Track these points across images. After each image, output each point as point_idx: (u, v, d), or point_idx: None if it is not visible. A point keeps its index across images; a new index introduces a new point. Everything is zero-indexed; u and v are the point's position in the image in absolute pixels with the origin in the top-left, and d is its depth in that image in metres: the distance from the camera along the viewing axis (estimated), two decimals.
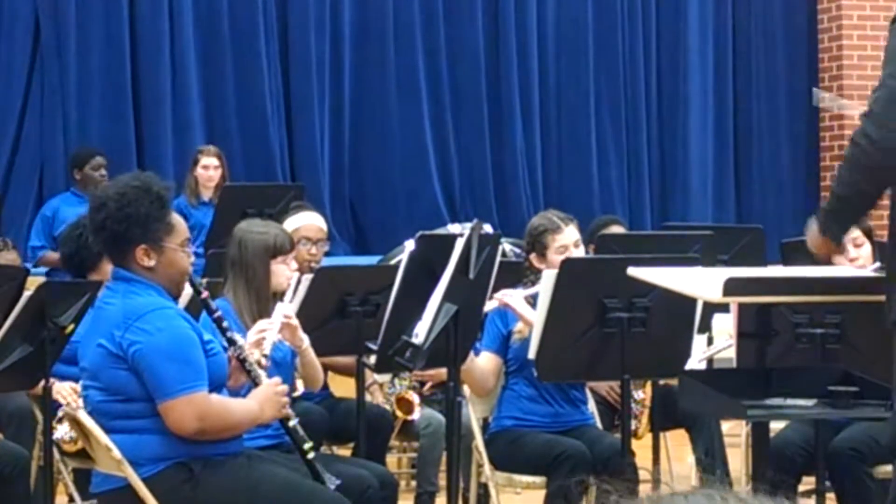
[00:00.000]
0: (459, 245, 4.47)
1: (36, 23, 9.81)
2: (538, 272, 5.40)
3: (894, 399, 3.96)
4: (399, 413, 6.22)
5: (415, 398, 6.27)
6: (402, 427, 6.28)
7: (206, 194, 8.74)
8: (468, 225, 4.76)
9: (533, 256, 5.50)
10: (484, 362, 5.40)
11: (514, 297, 5.33)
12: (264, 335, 4.62)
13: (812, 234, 4.21)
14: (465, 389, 5.32)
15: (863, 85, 11.12)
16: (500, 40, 11.15)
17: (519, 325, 5.38)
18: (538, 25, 11.28)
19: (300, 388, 5.29)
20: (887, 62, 3.93)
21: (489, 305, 5.17)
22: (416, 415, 6.25)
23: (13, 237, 7.98)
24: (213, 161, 8.81)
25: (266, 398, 4.34)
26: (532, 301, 5.30)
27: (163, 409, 4.12)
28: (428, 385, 6.43)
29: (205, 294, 4.42)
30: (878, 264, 5.15)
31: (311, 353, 5.03)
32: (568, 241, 5.44)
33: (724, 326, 5.88)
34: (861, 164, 3.94)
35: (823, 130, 11.99)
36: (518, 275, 5.54)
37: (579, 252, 5.49)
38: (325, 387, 5.76)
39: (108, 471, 4.21)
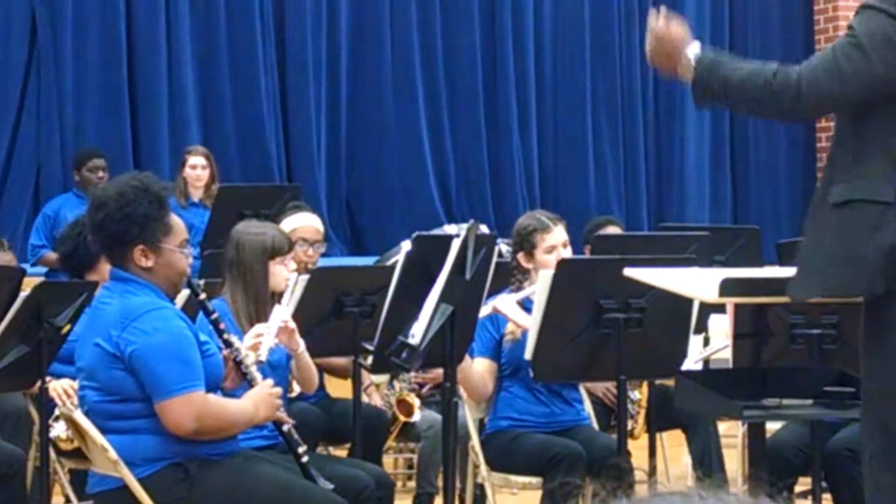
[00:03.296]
0: (455, 246, 4.47)
1: (33, 22, 9.81)
2: (526, 272, 5.41)
3: (862, 390, 3.97)
4: (400, 415, 6.22)
5: (415, 400, 6.27)
6: (402, 429, 6.28)
7: (196, 195, 8.75)
8: (464, 225, 4.76)
9: (521, 256, 5.49)
10: (480, 368, 5.40)
11: (506, 303, 5.33)
12: (261, 339, 4.62)
13: (675, 45, 4.07)
14: (462, 391, 5.33)
15: None
16: (497, 40, 11.15)
17: (510, 326, 5.38)
18: (534, 24, 11.29)
19: (296, 389, 5.29)
20: (853, 41, 3.90)
21: (482, 313, 5.16)
22: (416, 417, 6.25)
23: (9, 237, 7.97)
24: (201, 161, 8.82)
25: (261, 399, 4.34)
26: (524, 305, 5.31)
27: (160, 409, 4.12)
28: (428, 387, 6.43)
29: (203, 296, 4.42)
30: None
31: (307, 356, 5.03)
32: (556, 240, 5.44)
33: (721, 327, 5.88)
34: (775, 106, 3.94)
35: (820, 131, 12.00)
36: (507, 275, 5.53)
37: (567, 252, 5.49)
38: (322, 387, 5.76)
39: (104, 471, 4.22)
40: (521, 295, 5.34)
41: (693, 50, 4.02)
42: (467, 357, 5.14)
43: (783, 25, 12.08)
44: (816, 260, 3.89)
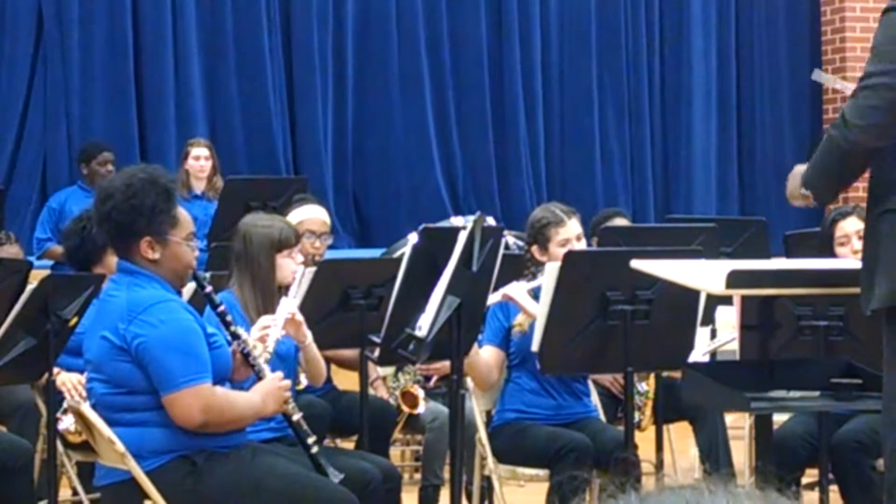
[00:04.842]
0: (462, 238, 4.46)
1: (39, 16, 9.81)
2: (539, 265, 5.40)
3: (885, 390, 3.97)
4: (404, 407, 6.22)
5: (419, 392, 6.27)
6: (407, 421, 6.28)
7: (199, 186, 8.74)
8: (471, 217, 4.76)
9: (534, 249, 5.49)
10: (487, 356, 5.40)
11: (516, 290, 5.33)
12: (268, 331, 4.62)
13: (794, 182, 4.18)
14: (469, 382, 5.33)
15: None
16: (503, 32, 11.14)
17: (519, 318, 5.38)
18: (541, 16, 11.28)
19: (303, 381, 5.30)
20: (875, 56, 3.94)
21: (492, 299, 5.16)
22: (420, 409, 6.25)
23: (16, 230, 7.97)
24: (204, 151, 8.82)
25: (269, 392, 4.34)
26: (534, 294, 5.30)
27: (167, 401, 4.12)
28: (434, 379, 6.43)
29: (209, 288, 4.42)
30: None
31: (315, 348, 5.03)
32: (570, 234, 5.43)
33: (728, 319, 5.88)
34: (836, 151, 3.97)
35: (826, 122, 11.98)
36: (519, 267, 5.53)
37: (581, 245, 5.49)
38: (329, 380, 5.77)
39: (111, 464, 4.22)
40: (532, 284, 5.34)
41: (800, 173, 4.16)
42: (474, 345, 5.14)
43: (789, 17, 12.04)
44: (871, 270, 3.91)
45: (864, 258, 3.98)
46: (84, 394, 4.87)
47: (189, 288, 4.88)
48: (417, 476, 6.74)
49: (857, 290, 4.01)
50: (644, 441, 5.69)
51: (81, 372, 4.89)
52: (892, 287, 3.86)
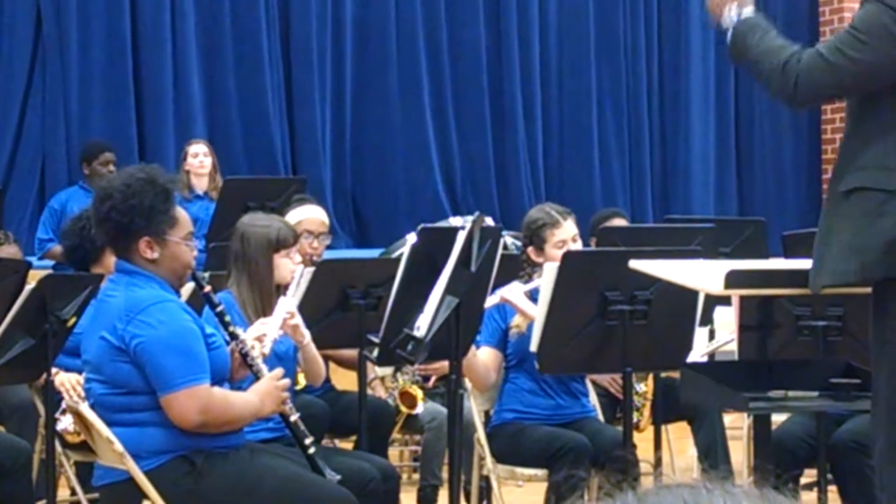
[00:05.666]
0: (461, 238, 4.47)
1: (38, 16, 9.80)
2: (536, 266, 5.40)
3: (873, 389, 3.96)
4: (402, 407, 6.23)
5: (418, 392, 6.28)
6: (405, 421, 6.28)
7: (200, 186, 8.71)
8: (470, 218, 4.76)
9: (531, 250, 5.49)
10: (484, 357, 5.40)
11: (514, 292, 5.33)
12: (264, 332, 4.62)
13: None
14: (467, 382, 5.33)
15: None
16: (502, 33, 11.14)
17: (516, 320, 5.38)
18: (539, 17, 11.28)
19: (302, 381, 5.30)
20: (844, 33, 3.94)
21: (490, 302, 5.16)
22: (419, 409, 6.26)
23: (14, 230, 7.97)
24: (203, 148, 8.80)
25: (266, 392, 4.34)
26: (531, 296, 5.30)
27: (165, 402, 4.12)
28: (433, 379, 6.44)
29: (207, 288, 4.42)
30: None
31: (313, 348, 5.03)
32: (566, 235, 5.43)
33: (726, 319, 5.89)
34: (776, 93, 4.00)
35: (825, 123, 11.99)
36: (515, 268, 5.53)
37: (577, 246, 5.48)
38: (327, 380, 5.77)
39: (110, 464, 4.22)
40: (529, 286, 5.34)
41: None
42: (472, 347, 5.14)
43: (788, 17, 12.04)
44: (827, 249, 3.90)
45: (831, 234, 3.94)
46: (82, 394, 4.87)
47: (187, 288, 4.88)
48: (416, 476, 6.74)
49: (857, 290, 4.01)
50: (642, 441, 5.69)
51: (80, 372, 4.89)
52: (831, 268, 3.85)
